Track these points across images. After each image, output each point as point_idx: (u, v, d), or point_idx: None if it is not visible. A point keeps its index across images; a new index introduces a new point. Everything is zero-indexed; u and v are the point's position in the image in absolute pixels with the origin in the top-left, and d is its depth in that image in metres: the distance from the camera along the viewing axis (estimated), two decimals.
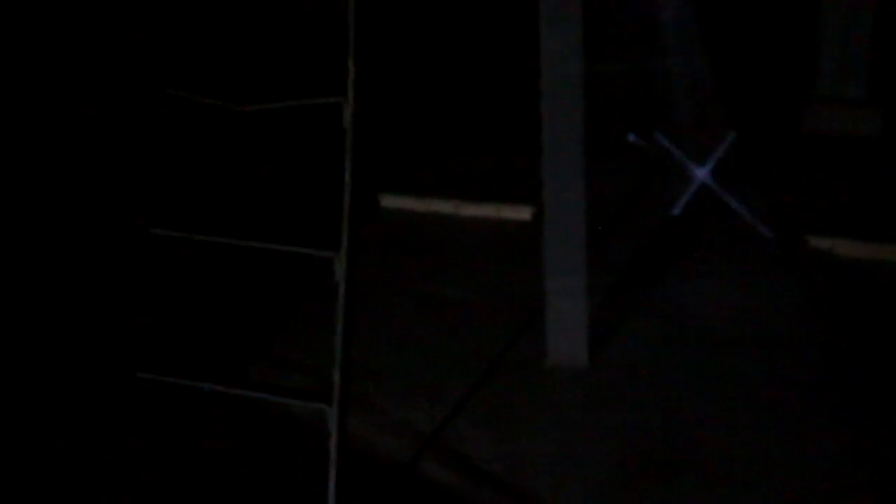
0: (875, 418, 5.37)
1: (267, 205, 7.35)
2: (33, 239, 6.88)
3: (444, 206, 7.47)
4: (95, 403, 5.63)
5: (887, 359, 5.81)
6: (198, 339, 6.13)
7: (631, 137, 7.26)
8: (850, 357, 5.85)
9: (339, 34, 4.62)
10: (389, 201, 7.55)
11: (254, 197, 7.47)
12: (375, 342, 6.02)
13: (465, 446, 5.29)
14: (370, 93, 4.72)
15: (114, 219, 7.06)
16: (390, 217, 7.47)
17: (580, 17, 5.33)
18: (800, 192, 7.59)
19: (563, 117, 5.46)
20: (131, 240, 6.67)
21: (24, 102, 7.80)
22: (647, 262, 6.79)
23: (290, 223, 6.96)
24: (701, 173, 7.13)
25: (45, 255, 6.76)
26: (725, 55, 8.80)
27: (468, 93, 9.12)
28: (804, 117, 8.51)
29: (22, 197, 7.20)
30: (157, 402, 5.44)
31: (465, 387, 5.68)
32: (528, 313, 6.10)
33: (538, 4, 5.35)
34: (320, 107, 4.68)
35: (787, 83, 8.96)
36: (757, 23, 9.88)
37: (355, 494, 4.58)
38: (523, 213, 7.24)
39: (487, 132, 8.45)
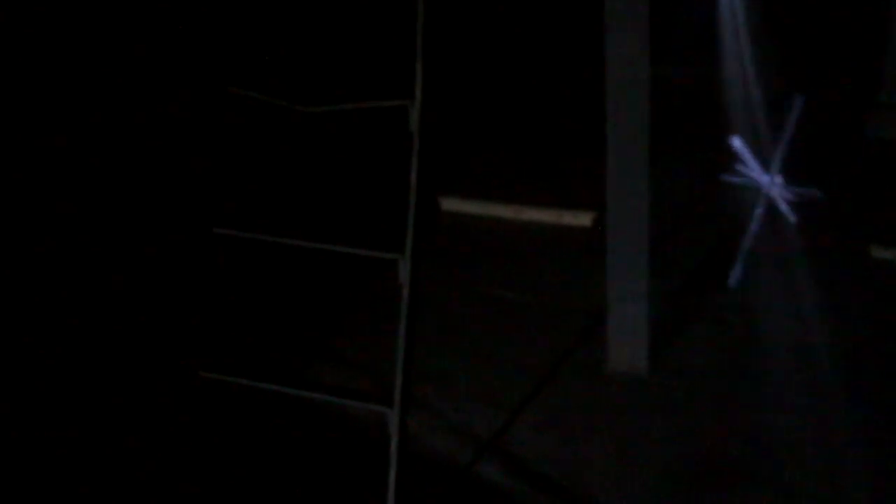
0: None
1: (331, 206, 7.37)
2: (100, 238, 6.94)
3: (505, 211, 7.46)
4: (160, 403, 5.67)
5: None
6: (261, 339, 6.17)
7: (734, 142, 7.16)
8: None
9: (407, 36, 4.64)
10: (450, 204, 7.55)
11: (318, 197, 7.50)
12: (436, 345, 6.03)
13: (524, 450, 5.29)
14: (434, 95, 4.73)
15: (178, 218, 7.11)
16: (451, 220, 7.46)
17: (646, 19, 5.31)
18: (863, 199, 7.52)
19: (628, 120, 5.44)
20: (196, 239, 6.71)
21: (92, 102, 7.87)
22: (711, 269, 6.75)
23: (355, 224, 6.98)
24: (766, 180, 7.07)
25: (112, 255, 6.82)
26: (789, 60, 8.76)
27: (532, 95, 9.10)
28: (868, 123, 8.43)
29: (89, 196, 7.27)
30: (221, 403, 5.48)
31: (524, 391, 5.68)
32: (589, 318, 6.09)
33: (604, 7, 5.34)
34: (385, 108, 4.70)
35: (852, 88, 8.89)
36: (823, 28, 9.81)
37: (414, 496, 4.60)
38: (584, 219, 7.22)
39: (549, 135, 8.43)
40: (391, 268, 4.65)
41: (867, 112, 8.49)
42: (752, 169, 7.05)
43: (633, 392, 5.68)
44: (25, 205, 7.10)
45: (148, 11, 8.27)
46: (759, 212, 6.85)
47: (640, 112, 5.44)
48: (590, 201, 6.95)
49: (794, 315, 6.26)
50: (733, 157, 7.14)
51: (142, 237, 6.96)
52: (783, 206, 6.97)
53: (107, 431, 5.49)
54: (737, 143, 7.04)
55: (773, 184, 7.04)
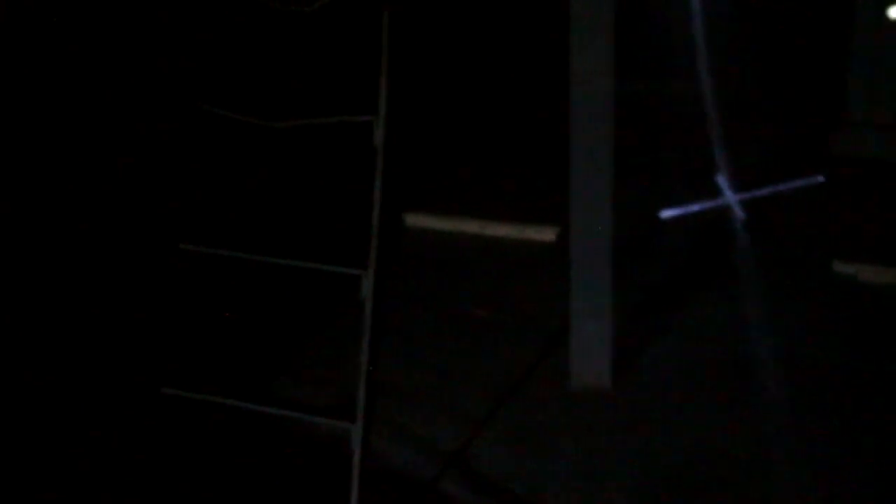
0: None
1: (296, 221, 7.37)
2: (63, 253, 6.91)
3: (469, 226, 7.48)
4: (120, 417, 5.64)
5: None
6: (224, 354, 6.15)
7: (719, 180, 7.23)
8: (873, 381, 5.84)
9: (371, 53, 4.64)
10: (415, 220, 7.56)
11: (283, 213, 7.49)
12: (400, 360, 6.03)
13: (487, 465, 5.29)
14: (399, 111, 4.73)
15: (144, 233, 7.09)
16: (415, 236, 7.48)
17: (612, 36, 5.34)
18: (827, 215, 7.58)
19: (592, 136, 5.46)
20: (161, 255, 6.69)
21: (60, 116, 7.84)
22: (674, 285, 6.78)
23: (318, 240, 6.97)
24: (731, 197, 7.12)
25: (76, 270, 6.79)
26: (756, 77, 8.82)
27: (494, 111, 9.13)
28: (834, 141, 8.51)
29: (53, 210, 7.23)
30: (183, 418, 5.45)
31: (488, 406, 5.68)
32: (553, 334, 6.11)
33: (569, 23, 5.36)
34: (350, 124, 4.70)
35: (818, 107, 8.96)
36: (787, 47, 9.89)
37: None
38: (548, 234, 7.24)
39: (513, 151, 8.45)
40: (355, 283, 4.64)
41: (832, 130, 8.57)
42: (719, 185, 7.10)
43: (596, 407, 5.69)
44: None
45: (116, 26, 8.25)
46: (723, 226, 6.90)
47: (605, 127, 5.46)
48: (554, 217, 6.97)
49: (756, 330, 6.29)
50: (699, 173, 7.19)
51: (107, 252, 6.93)
52: (745, 222, 7.02)
53: (67, 447, 5.45)
54: (706, 159, 7.10)
55: (737, 200, 7.09)
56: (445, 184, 8.05)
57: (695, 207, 7.17)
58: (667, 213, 7.10)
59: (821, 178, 7.14)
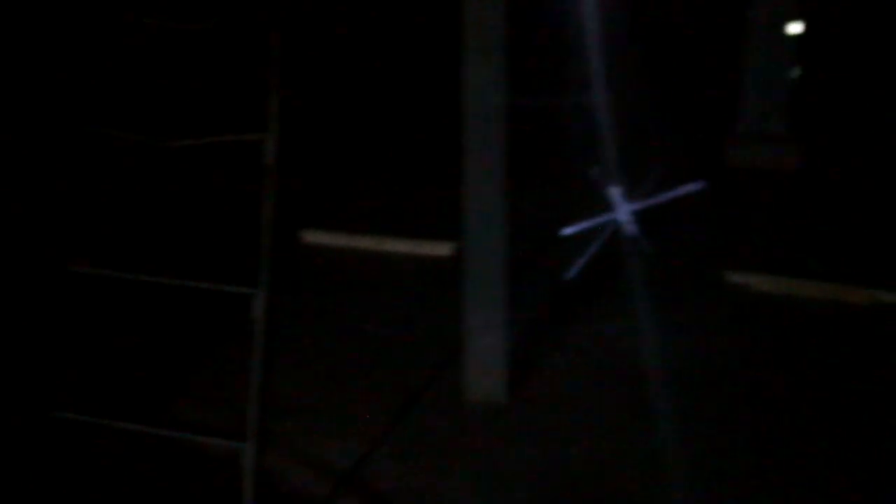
0: (795, 449, 5.43)
1: (189, 241, 7.31)
2: None
3: (365, 242, 7.47)
4: (8, 442, 5.55)
5: (802, 393, 5.88)
6: (116, 375, 6.08)
7: (594, 172, 7.26)
8: (767, 391, 5.92)
9: (262, 70, 4.62)
10: (312, 237, 7.55)
11: (176, 233, 7.43)
12: (295, 378, 6.01)
13: (383, 483, 5.27)
14: (292, 128, 4.72)
15: (31, 254, 6.99)
16: (312, 253, 7.45)
17: (503, 50, 5.36)
18: (720, 226, 7.68)
19: (485, 151, 5.48)
20: (50, 276, 6.60)
21: None
22: (569, 299, 6.82)
23: (212, 259, 6.93)
24: (623, 210, 7.18)
25: None
26: (651, 93, 8.91)
27: (389, 127, 9.14)
28: (727, 153, 8.63)
29: None
30: (73, 441, 5.38)
31: (383, 423, 5.67)
32: (449, 349, 6.12)
33: (462, 38, 5.37)
34: (243, 143, 4.67)
35: (712, 120, 9.08)
36: (681, 62, 10.01)
37: None
38: (443, 249, 7.26)
39: (410, 167, 8.47)
40: (249, 302, 4.62)
41: (726, 142, 8.69)
42: (611, 197, 7.16)
43: (492, 422, 5.71)
44: None
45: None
46: (617, 240, 6.95)
47: (498, 142, 5.48)
48: (450, 232, 6.98)
49: (650, 342, 6.35)
50: (594, 186, 7.24)
51: None
52: (639, 234, 7.08)
53: None
54: (596, 172, 7.15)
55: (631, 212, 7.15)
56: (341, 200, 8.03)
57: (589, 221, 7.22)
58: (564, 230, 7.14)
59: (703, 185, 7.22)
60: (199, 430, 5.32)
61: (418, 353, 6.28)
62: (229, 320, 6.14)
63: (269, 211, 4.43)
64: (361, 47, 10.29)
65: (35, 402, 5.70)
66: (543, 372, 6.11)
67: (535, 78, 8.49)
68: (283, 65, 4.53)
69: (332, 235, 7.55)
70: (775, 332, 6.52)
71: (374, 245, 7.46)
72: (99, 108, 7.81)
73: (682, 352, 6.29)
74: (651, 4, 10.87)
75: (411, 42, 10.19)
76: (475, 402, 5.82)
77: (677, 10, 11.01)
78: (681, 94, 9.60)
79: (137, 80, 8.60)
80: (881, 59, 10.15)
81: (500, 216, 5.60)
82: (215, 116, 8.03)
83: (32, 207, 7.43)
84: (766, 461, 5.36)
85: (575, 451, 5.47)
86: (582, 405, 5.84)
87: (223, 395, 5.87)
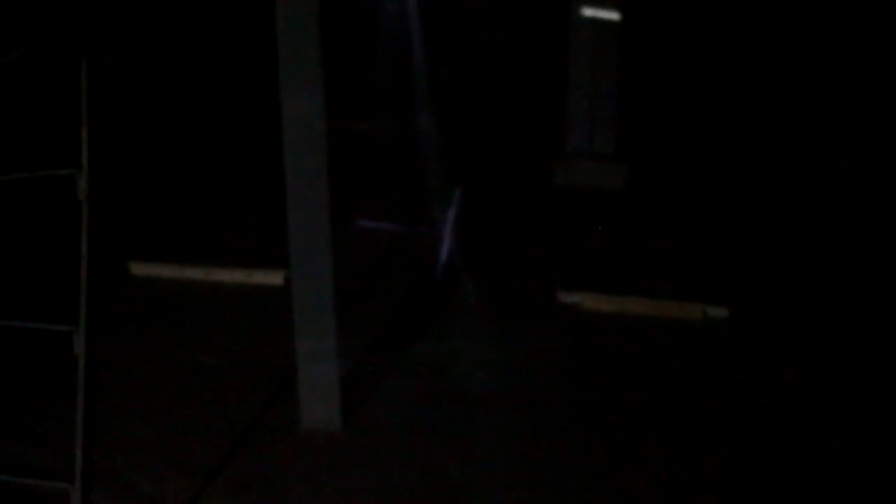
0: (626, 466, 5.50)
1: (13, 276, 7.15)
2: None
3: (195, 273, 7.38)
4: None
5: (631, 412, 5.96)
6: None
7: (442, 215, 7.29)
8: (600, 409, 5.99)
9: (73, 103, 4.54)
10: (140, 269, 7.42)
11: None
12: (126, 413, 5.91)
13: None
14: (110, 161, 4.65)
15: None
16: (141, 285, 7.33)
17: (321, 76, 5.35)
18: (550, 245, 7.74)
19: (307, 179, 5.46)
20: None
21: None
22: (400, 323, 6.82)
23: (35, 294, 6.79)
24: (453, 232, 7.21)
25: None
26: (477, 110, 8.97)
27: (216, 153, 9.06)
28: (555, 171, 8.71)
29: None
30: None
31: (217, 456, 5.61)
32: (282, 378, 6.07)
33: (279, 68, 5.35)
34: (59, 177, 4.58)
35: (539, 138, 9.16)
36: (510, 81, 10.10)
37: None
38: (275, 278, 7.21)
39: (237, 196, 8.39)
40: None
41: (554, 160, 8.77)
42: (442, 220, 7.20)
43: (328, 450, 5.68)
44: None
45: None
46: (442, 262, 6.99)
47: (320, 169, 5.46)
48: (281, 260, 6.93)
49: (484, 364, 6.38)
50: (421, 209, 7.27)
51: None
52: (467, 255, 7.13)
53: None
54: (428, 195, 7.19)
55: (456, 234, 7.20)
56: (169, 231, 7.92)
57: (415, 243, 7.25)
58: (389, 250, 7.16)
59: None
60: (26, 470, 5.19)
61: (253, 384, 6.22)
62: (58, 354, 6.02)
63: (85, 247, 4.35)
64: (187, 71, 10.19)
65: None
66: (377, 397, 6.10)
67: (358, 104, 8.53)
68: (93, 96, 4.46)
69: (162, 267, 7.43)
70: (607, 350, 6.58)
71: (204, 275, 7.36)
72: None
73: (514, 372, 6.33)
74: (475, 22, 10.92)
75: (238, 68, 10.12)
76: (310, 431, 5.78)
77: (508, 29, 11.08)
78: (509, 114, 9.66)
79: None
80: (707, 76, 10.34)
81: (326, 244, 5.58)
82: (29, 150, 7.87)
83: None
84: (599, 481, 5.43)
85: (412, 476, 5.48)
86: (417, 430, 5.85)
87: (50, 433, 5.73)
